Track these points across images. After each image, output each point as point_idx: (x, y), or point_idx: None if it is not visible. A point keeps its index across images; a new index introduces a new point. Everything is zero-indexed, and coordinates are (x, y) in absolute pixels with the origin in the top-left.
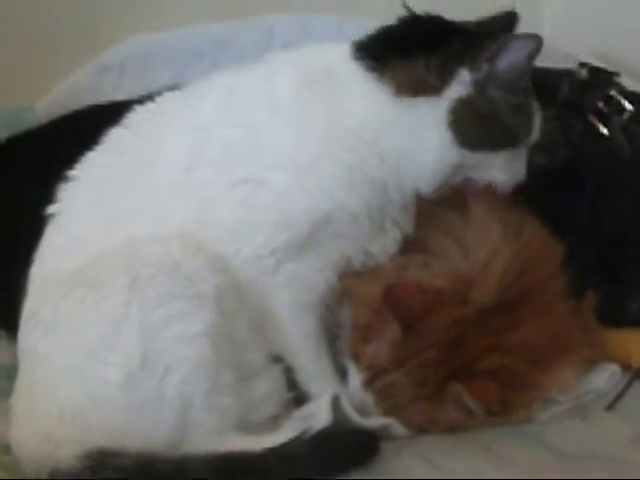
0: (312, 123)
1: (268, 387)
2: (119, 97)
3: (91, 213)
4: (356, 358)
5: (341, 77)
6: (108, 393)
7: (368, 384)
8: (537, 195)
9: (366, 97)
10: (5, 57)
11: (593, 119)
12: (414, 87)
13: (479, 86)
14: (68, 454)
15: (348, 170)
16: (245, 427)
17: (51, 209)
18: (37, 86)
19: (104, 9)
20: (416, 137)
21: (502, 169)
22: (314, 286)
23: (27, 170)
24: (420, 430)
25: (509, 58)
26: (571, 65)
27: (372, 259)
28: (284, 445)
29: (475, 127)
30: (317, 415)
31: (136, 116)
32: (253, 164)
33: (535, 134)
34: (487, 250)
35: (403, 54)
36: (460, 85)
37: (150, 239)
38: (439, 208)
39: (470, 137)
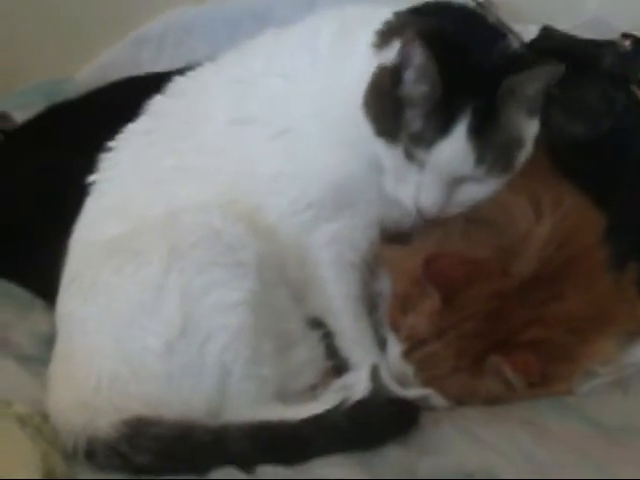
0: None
1: (307, 355)
2: (157, 69)
3: (133, 179)
4: (395, 328)
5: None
6: (147, 360)
7: (407, 354)
8: (580, 166)
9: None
10: (46, 29)
11: (636, 90)
12: None
13: None
14: (106, 422)
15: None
16: (283, 396)
17: (92, 178)
18: (77, 58)
19: None
20: None
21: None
22: (355, 244)
23: (65, 140)
24: (459, 402)
25: None
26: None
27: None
28: (323, 415)
29: None
30: (356, 385)
31: (177, 84)
32: (292, 114)
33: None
34: (528, 221)
35: None
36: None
37: (191, 207)
38: None
39: None
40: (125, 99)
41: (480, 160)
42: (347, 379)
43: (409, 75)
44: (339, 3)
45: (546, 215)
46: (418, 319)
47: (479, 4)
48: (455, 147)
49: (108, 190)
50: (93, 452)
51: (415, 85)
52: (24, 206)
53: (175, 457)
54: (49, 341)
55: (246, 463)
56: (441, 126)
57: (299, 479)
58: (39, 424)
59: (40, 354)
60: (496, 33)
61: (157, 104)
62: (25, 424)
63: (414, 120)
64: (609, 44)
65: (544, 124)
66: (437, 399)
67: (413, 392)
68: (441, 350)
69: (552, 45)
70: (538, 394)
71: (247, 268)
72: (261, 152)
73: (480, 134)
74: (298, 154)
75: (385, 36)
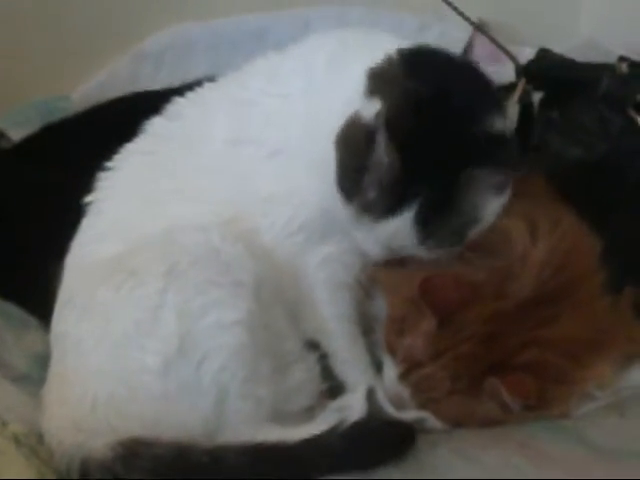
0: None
1: (303, 376)
2: (156, 87)
3: (130, 200)
4: (391, 351)
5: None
6: (144, 380)
7: (403, 377)
8: (576, 189)
9: None
10: (43, 46)
11: (633, 113)
12: None
13: None
14: (101, 443)
15: None
16: (280, 418)
17: (89, 198)
18: (74, 75)
19: None
20: None
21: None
22: (348, 265)
23: (62, 158)
24: (456, 424)
25: None
26: (611, 60)
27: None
28: (319, 436)
29: None
30: (352, 407)
31: (176, 105)
32: (286, 136)
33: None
34: (524, 244)
35: None
36: None
37: (189, 226)
38: None
39: None
40: (123, 117)
41: (424, 241)
42: (343, 401)
43: (377, 151)
44: (331, 26)
45: (543, 238)
46: (414, 341)
47: (475, 26)
48: (401, 228)
49: (105, 210)
50: (87, 472)
51: (379, 161)
52: (20, 225)
53: (171, 478)
54: (44, 361)
55: None
56: (392, 206)
57: None
58: (34, 444)
59: (35, 374)
60: (482, 99)
61: (156, 125)
62: (20, 444)
63: (369, 189)
64: (606, 67)
65: (541, 147)
66: (433, 422)
67: (409, 415)
68: (437, 372)
69: (548, 67)
70: (535, 417)
71: (245, 288)
72: (257, 172)
73: (429, 221)
74: (289, 176)
75: (371, 84)
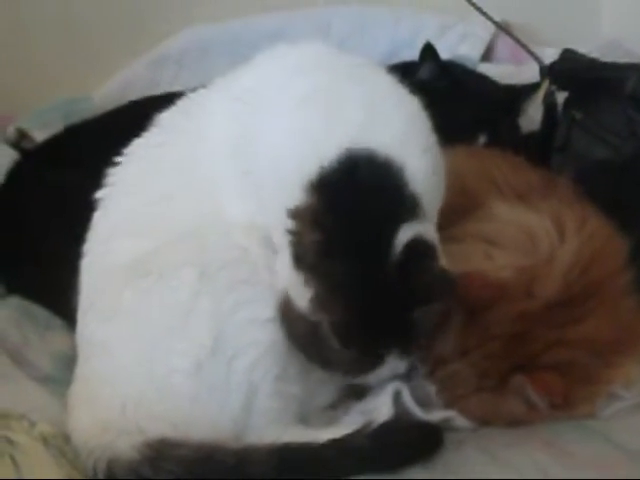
0: None
1: (328, 374)
2: (176, 89)
3: (141, 194)
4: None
5: None
6: (175, 382)
7: (430, 374)
8: (602, 190)
9: None
10: (64, 48)
11: None
12: None
13: None
14: (127, 444)
15: None
16: (305, 415)
17: (99, 194)
18: (95, 77)
19: (161, 0)
20: None
21: None
22: None
23: (84, 159)
24: (482, 422)
25: None
26: (633, 61)
27: None
28: (347, 437)
29: None
30: (379, 409)
31: (186, 100)
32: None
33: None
34: (551, 243)
35: None
36: None
37: (214, 227)
38: (501, 200)
39: None
40: (143, 118)
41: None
42: (369, 403)
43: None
44: (351, 25)
45: (570, 237)
46: (442, 338)
47: (499, 26)
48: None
49: (117, 206)
50: (114, 474)
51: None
52: (42, 225)
53: (198, 479)
54: (69, 361)
55: None
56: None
57: None
58: (62, 445)
59: (60, 375)
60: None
61: (166, 119)
62: (48, 444)
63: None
64: (632, 67)
65: (565, 148)
66: (460, 421)
67: (436, 415)
68: (465, 370)
69: (573, 67)
70: (561, 416)
71: (274, 286)
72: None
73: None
74: None
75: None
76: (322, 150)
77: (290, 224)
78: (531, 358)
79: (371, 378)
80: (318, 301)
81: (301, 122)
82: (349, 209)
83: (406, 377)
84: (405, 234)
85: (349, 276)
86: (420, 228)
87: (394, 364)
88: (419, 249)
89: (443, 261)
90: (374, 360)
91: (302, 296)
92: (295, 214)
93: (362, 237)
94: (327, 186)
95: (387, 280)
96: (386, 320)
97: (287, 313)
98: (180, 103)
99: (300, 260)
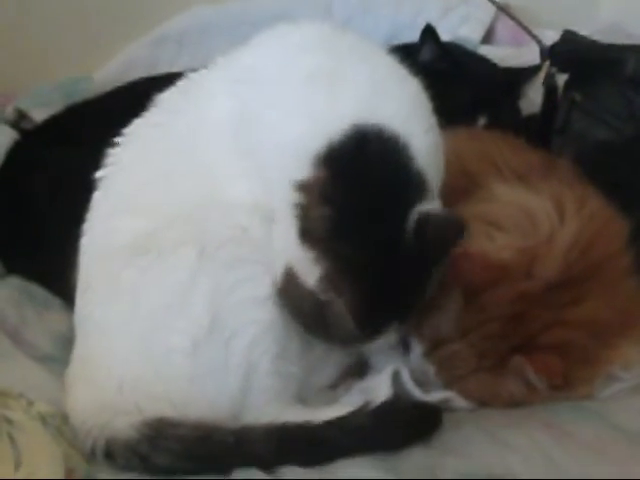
0: None
1: (328, 352)
2: (176, 69)
3: (141, 173)
4: (417, 327)
5: None
6: (173, 361)
7: (429, 354)
8: (602, 171)
9: None
10: (64, 28)
11: None
12: None
13: None
14: (126, 423)
15: None
16: (304, 395)
17: (99, 174)
18: (96, 57)
19: None
20: None
21: None
22: None
23: (84, 139)
24: (481, 403)
25: None
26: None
27: None
28: (346, 417)
29: None
30: (377, 389)
31: (186, 80)
32: None
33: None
34: (552, 224)
35: None
36: None
37: (213, 206)
38: (502, 181)
39: None
40: (143, 99)
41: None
42: (368, 382)
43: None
44: (354, 8)
45: (570, 218)
46: (441, 319)
47: (499, 7)
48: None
49: (116, 186)
50: (112, 453)
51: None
52: (42, 205)
53: (196, 458)
54: (67, 341)
55: (268, 464)
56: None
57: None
58: (59, 424)
59: (58, 354)
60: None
61: (166, 99)
62: (47, 423)
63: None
64: (632, 49)
65: (565, 129)
66: (459, 401)
67: (435, 395)
68: (463, 350)
69: (574, 49)
70: (560, 397)
71: (272, 263)
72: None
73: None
74: None
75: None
76: (329, 125)
77: (297, 197)
78: (530, 339)
79: (366, 347)
80: (329, 280)
81: (306, 99)
82: (360, 183)
83: (405, 354)
84: (416, 210)
85: (363, 257)
86: (429, 203)
87: (390, 334)
88: (429, 224)
89: None
90: (375, 333)
91: (310, 273)
92: (302, 187)
93: (374, 213)
94: (336, 160)
95: (398, 256)
96: (398, 298)
97: (291, 288)
98: (180, 83)
99: (307, 235)
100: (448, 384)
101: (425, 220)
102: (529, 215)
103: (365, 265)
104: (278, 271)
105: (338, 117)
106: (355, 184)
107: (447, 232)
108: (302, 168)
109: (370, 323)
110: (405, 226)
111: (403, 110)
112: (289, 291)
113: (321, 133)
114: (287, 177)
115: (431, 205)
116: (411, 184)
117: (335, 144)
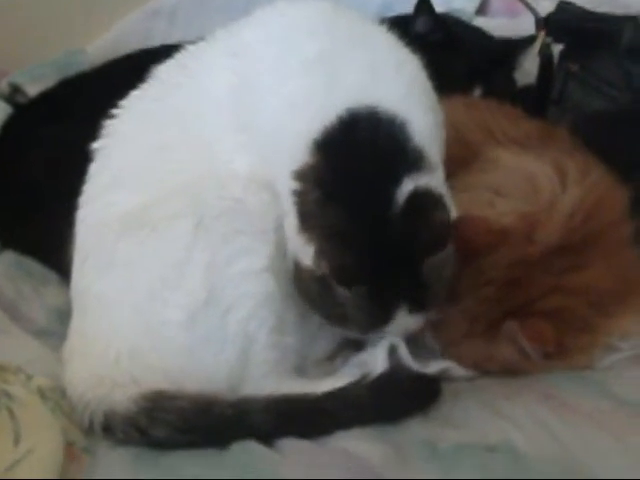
0: None
1: (324, 324)
2: (170, 42)
3: (138, 146)
4: None
5: None
6: (169, 333)
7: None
8: (601, 140)
9: None
10: (59, 2)
11: None
12: None
13: None
14: (124, 396)
15: None
16: (302, 367)
17: (95, 145)
18: (89, 30)
19: None
20: None
21: None
22: None
23: (79, 113)
24: (475, 368)
25: None
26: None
27: None
28: (344, 389)
29: None
30: (374, 362)
31: (183, 52)
32: None
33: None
34: (553, 190)
35: None
36: None
37: (209, 179)
38: (506, 149)
39: None
40: (140, 71)
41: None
42: (364, 355)
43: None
44: None
45: (572, 186)
46: None
47: None
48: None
49: (113, 157)
50: (110, 426)
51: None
52: (37, 179)
53: (195, 431)
54: (64, 316)
55: (267, 436)
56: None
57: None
58: (58, 398)
59: (55, 328)
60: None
61: (163, 72)
62: (45, 397)
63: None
64: (628, 19)
65: (561, 100)
66: (457, 370)
67: (432, 367)
68: (456, 314)
69: (570, 19)
70: (557, 365)
71: (268, 234)
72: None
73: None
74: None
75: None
76: (325, 111)
77: (295, 185)
78: (526, 305)
79: (383, 334)
80: (320, 252)
81: (304, 85)
82: (349, 164)
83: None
84: (407, 186)
85: (346, 222)
86: (425, 179)
87: (404, 320)
88: (423, 200)
89: (453, 210)
90: (384, 315)
91: (307, 254)
92: (299, 175)
93: (361, 188)
94: (329, 145)
95: (389, 230)
96: (390, 271)
97: (298, 275)
98: (178, 56)
99: (304, 220)
100: (442, 348)
101: (414, 195)
102: (531, 181)
103: (348, 231)
104: (289, 261)
105: (334, 103)
106: (344, 165)
107: (436, 234)
108: (300, 154)
109: (353, 281)
110: (395, 202)
111: (401, 90)
112: (298, 278)
113: (318, 118)
114: (285, 162)
115: (433, 181)
116: (403, 161)
117: (329, 129)
